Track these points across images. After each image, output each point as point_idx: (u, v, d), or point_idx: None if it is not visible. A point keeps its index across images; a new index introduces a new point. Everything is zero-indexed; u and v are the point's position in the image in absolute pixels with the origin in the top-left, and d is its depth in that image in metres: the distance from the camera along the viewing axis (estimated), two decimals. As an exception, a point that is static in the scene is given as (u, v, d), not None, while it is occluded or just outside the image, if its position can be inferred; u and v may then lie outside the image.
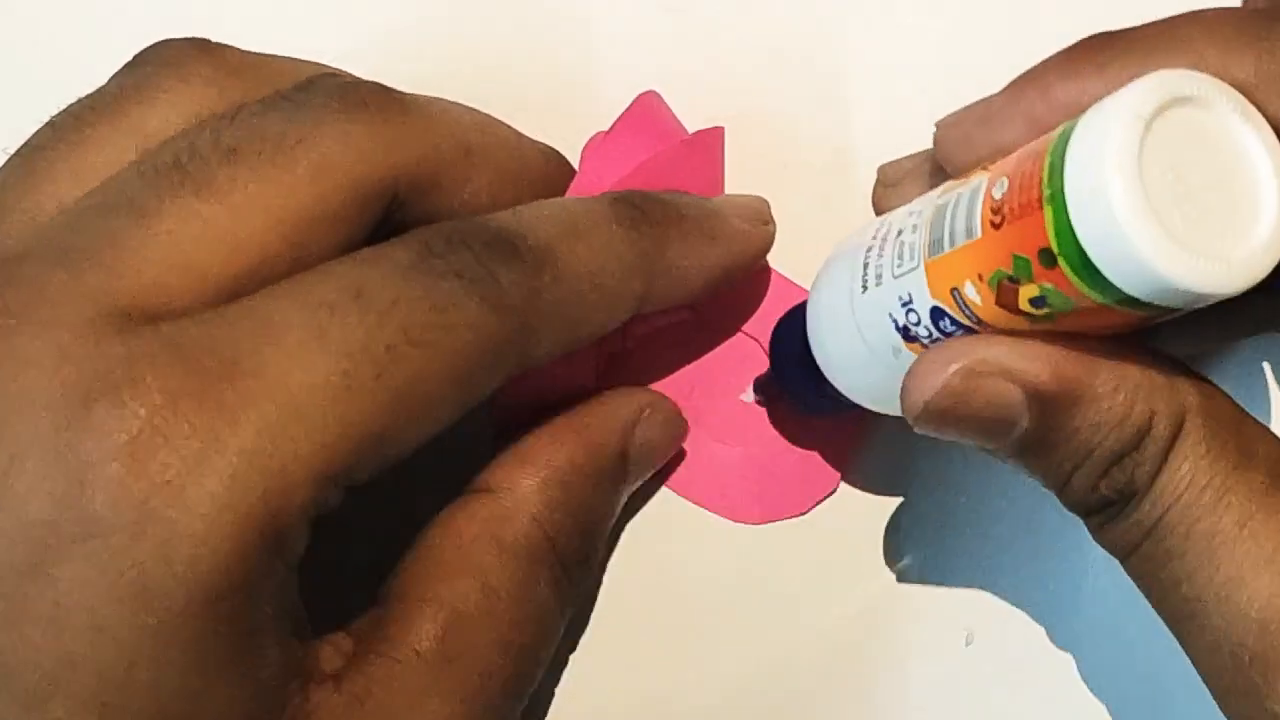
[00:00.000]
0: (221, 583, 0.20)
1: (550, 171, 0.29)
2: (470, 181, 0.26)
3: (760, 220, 0.29)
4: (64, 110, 0.25)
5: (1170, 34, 0.23)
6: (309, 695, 0.22)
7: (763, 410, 0.31)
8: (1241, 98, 0.21)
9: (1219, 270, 0.20)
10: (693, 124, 0.31)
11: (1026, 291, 0.22)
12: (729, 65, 0.33)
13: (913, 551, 0.31)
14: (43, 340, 0.21)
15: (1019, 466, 0.24)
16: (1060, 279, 0.21)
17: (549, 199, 0.27)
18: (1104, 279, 0.20)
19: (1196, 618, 0.23)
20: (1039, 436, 0.23)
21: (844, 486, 0.31)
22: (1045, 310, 0.22)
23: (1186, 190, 0.21)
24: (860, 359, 0.26)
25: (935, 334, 0.24)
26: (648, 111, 0.30)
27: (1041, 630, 0.30)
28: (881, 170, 0.28)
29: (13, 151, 0.25)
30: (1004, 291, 0.22)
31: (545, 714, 0.29)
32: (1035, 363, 0.23)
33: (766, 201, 0.30)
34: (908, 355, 0.24)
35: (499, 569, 0.25)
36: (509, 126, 0.28)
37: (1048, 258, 0.21)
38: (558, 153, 0.30)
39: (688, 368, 0.31)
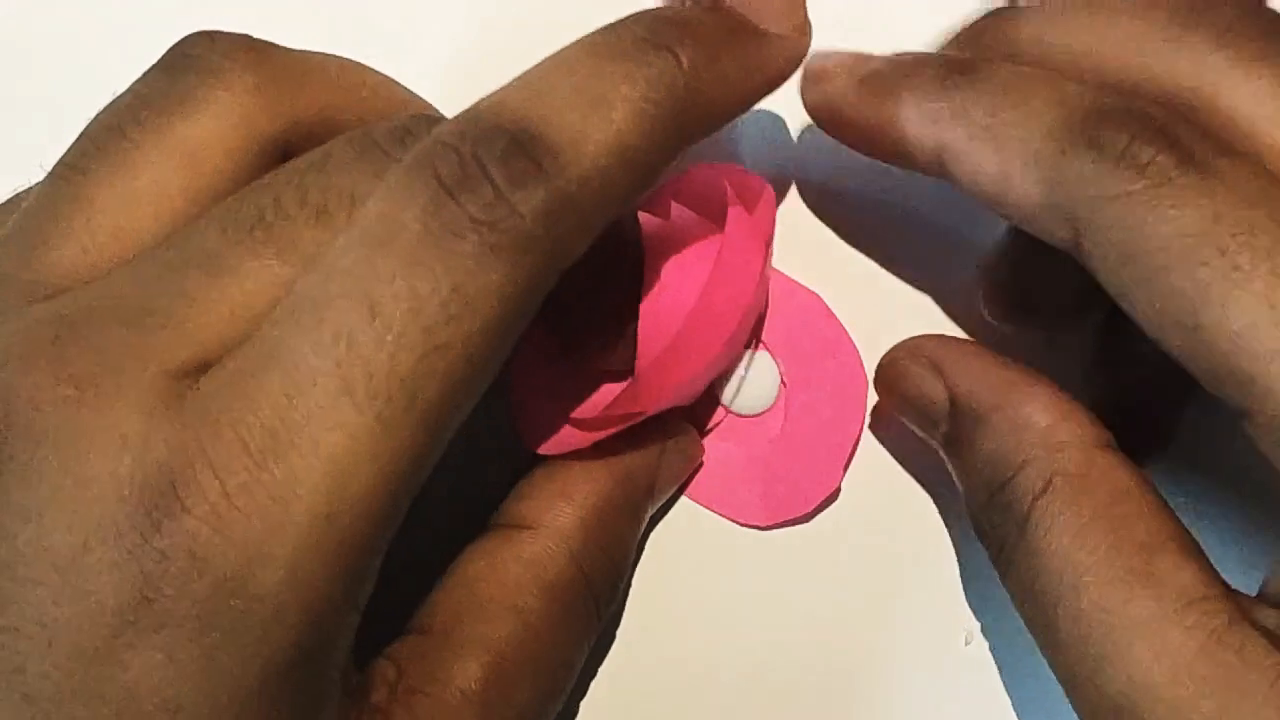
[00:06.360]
0: (292, 655, 0.21)
1: None
2: None
3: (798, 30, 0.27)
4: (102, 122, 0.25)
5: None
6: None
7: (765, 412, 0.31)
8: None
9: None
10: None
11: None
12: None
13: (913, 551, 0.31)
14: (105, 418, 0.21)
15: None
16: None
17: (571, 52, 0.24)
18: None
19: (1071, 684, 0.24)
20: (954, 438, 0.25)
21: (845, 486, 0.31)
22: None
23: None
24: None
25: None
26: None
27: (1041, 631, 0.31)
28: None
29: (48, 167, 0.24)
30: None
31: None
32: (959, 369, 0.25)
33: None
34: None
35: (540, 611, 0.26)
36: None
37: None
38: None
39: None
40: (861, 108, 0.27)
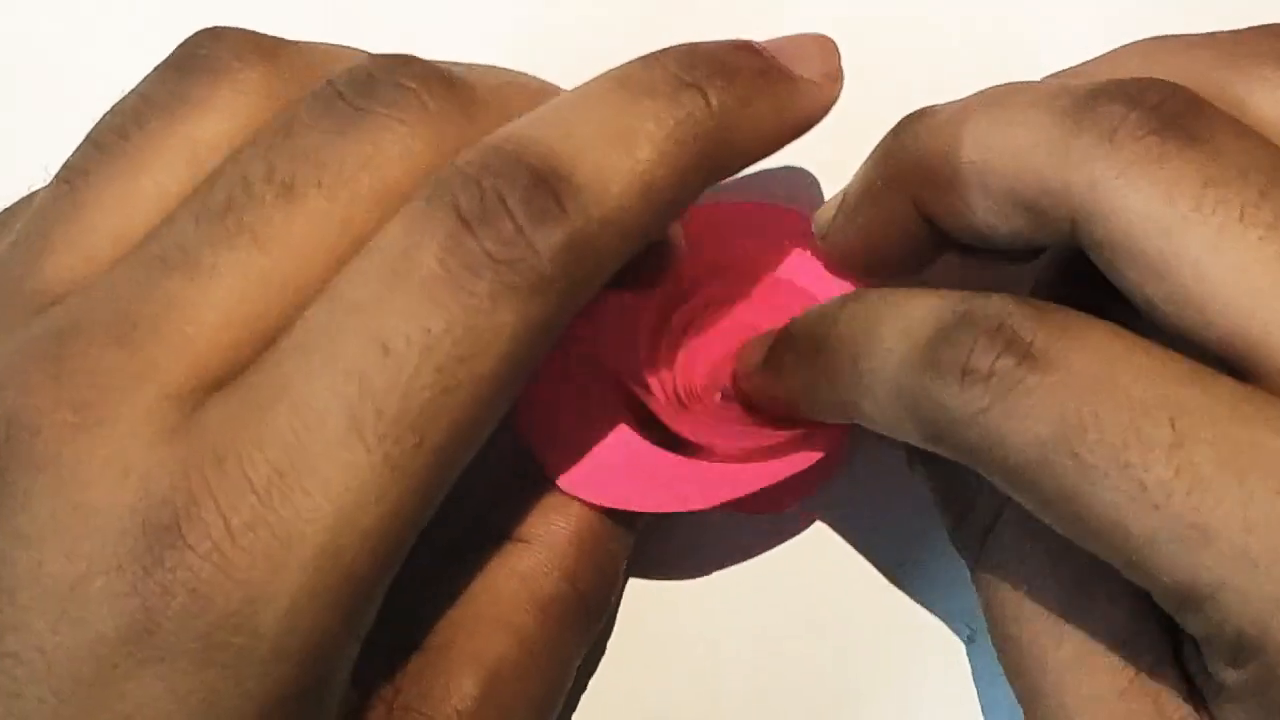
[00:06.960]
0: (292, 689, 0.21)
1: None
2: None
3: (829, 77, 0.26)
4: (106, 124, 0.24)
5: None
6: None
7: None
8: None
9: None
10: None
11: None
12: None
13: (914, 549, 0.31)
14: (106, 446, 0.21)
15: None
16: None
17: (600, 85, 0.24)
18: None
19: (1023, 710, 0.25)
20: (919, 463, 0.27)
21: (845, 483, 0.31)
22: None
23: None
24: None
25: None
26: None
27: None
28: None
29: (53, 170, 0.24)
30: None
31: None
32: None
33: (833, 46, 0.27)
34: None
35: (535, 629, 0.26)
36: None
37: None
38: None
39: None
40: (764, 389, 0.28)
